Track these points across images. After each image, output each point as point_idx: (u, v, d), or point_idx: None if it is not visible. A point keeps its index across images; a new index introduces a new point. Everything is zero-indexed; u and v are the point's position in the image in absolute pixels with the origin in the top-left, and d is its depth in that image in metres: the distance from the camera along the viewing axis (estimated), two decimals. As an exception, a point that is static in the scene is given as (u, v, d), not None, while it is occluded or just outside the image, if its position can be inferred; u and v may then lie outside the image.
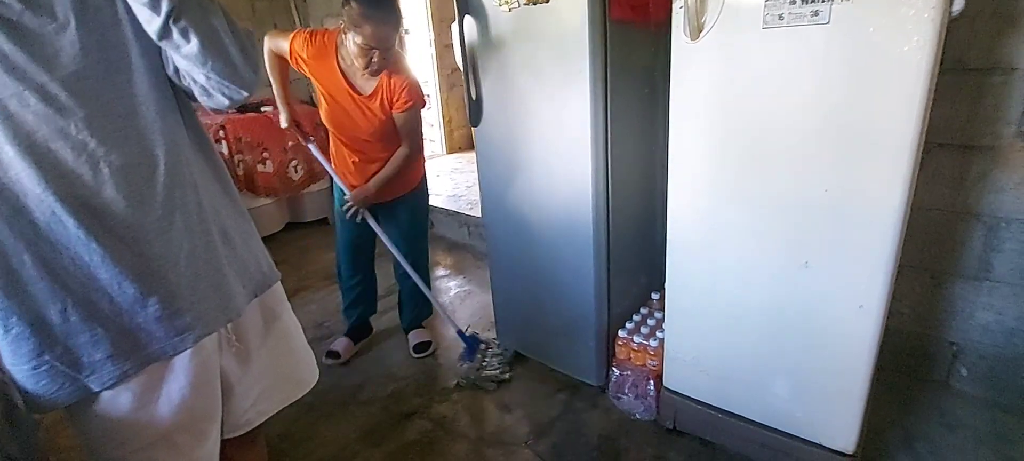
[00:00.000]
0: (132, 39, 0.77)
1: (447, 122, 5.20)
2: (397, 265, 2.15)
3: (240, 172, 3.23)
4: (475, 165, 1.97)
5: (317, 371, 1.19)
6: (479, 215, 2.90)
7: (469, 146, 5.02)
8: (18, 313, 0.74)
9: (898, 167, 1.09)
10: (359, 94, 1.76)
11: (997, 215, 1.56)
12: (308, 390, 1.17)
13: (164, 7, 0.70)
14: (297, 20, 3.69)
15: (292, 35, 1.75)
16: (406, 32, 3.67)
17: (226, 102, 0.84)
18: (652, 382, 1.74)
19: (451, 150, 5.29)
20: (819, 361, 1.34)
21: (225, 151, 3.15)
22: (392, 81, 1.75)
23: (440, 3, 4.62)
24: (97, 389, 0.80)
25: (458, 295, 2.79)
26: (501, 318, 2.16)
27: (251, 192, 3.30)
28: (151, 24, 0.72)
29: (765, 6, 1.13)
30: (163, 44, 0.75)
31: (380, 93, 1.76)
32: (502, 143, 1.81)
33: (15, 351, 0.76)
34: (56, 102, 0.70)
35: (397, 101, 1.77)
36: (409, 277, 2.13)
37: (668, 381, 1.68)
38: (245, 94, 0.84)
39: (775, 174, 1.25)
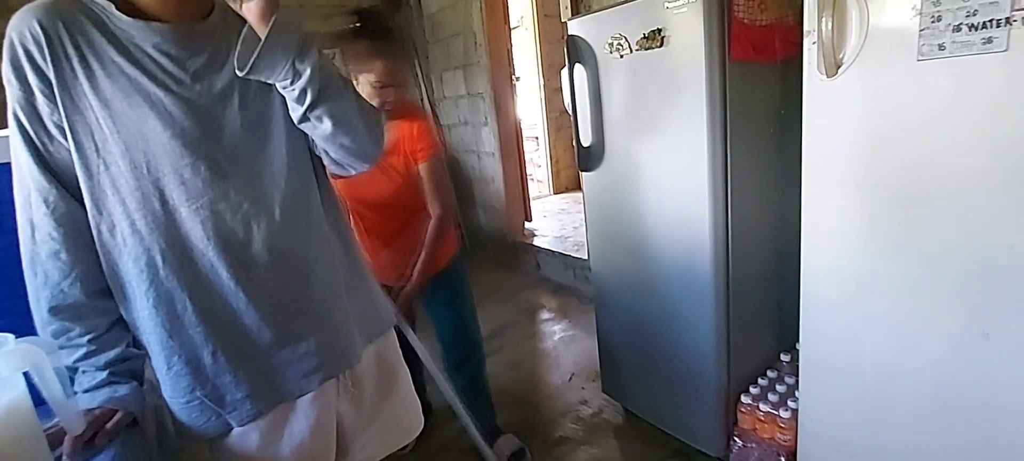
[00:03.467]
0: (280, 115, 0.87)
1: (554, 162, 5.26)
2: (451, 360, 1.83)
3: (364, 214, 3.50)
4: (581, 206, 1.94)
5: (422, 420, 1.21)
6: (585, 257, 2.85)
7: (576, 186, 5.02)
8: (179, 353, 0.83)
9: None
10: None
11: None
12: (413, 438, 1.19)
13: (308, 99, 0.79)
14: (420, 75, 4.00)
15: None
16: (517, 79, 3.81)
17: (352, 172, 0.94)
18: (783, 459, 1.53)
19: (558, 190, 5.32)
20: (999, 457, 1.08)
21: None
22: (413, 127, 1.52)
23: (549, 50, 4.75)
24: (236, 425, 0.87)
25: (562, 340, 2.74)
26: (606, 368, 2.07)
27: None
28: (295, 111, 0.82)
29: (920, 35, 0.99)
30: (302, 127, 0.85)
31: (401, 144, 1.52)
32: (612, 188, 1.76)
33: (174, 386, 0.85)
34: (220, 169, 0.80)
35: (421, 149, 1.54)
36: (468, 372, 1.83)
37: (803, 459, 1.47)
38: (368, 166, 0.94)
39: (941, 226, 1.06)
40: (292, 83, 0.78)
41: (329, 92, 0.80)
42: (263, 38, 0.72)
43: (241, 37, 0.75)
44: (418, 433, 1.20)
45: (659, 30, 1.43)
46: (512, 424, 2.06)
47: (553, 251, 3.50)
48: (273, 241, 0.85)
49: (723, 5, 1.33)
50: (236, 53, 0.75)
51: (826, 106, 1.16)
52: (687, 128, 1.44)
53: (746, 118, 1.45)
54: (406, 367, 1.17)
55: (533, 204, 4.24)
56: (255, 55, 0.72)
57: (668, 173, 1.56)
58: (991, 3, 0.91)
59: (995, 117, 0.95)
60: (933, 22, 0.98)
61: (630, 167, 1.67)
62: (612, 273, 1.88)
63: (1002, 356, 1.04)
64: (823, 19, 1.08)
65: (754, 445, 1.60)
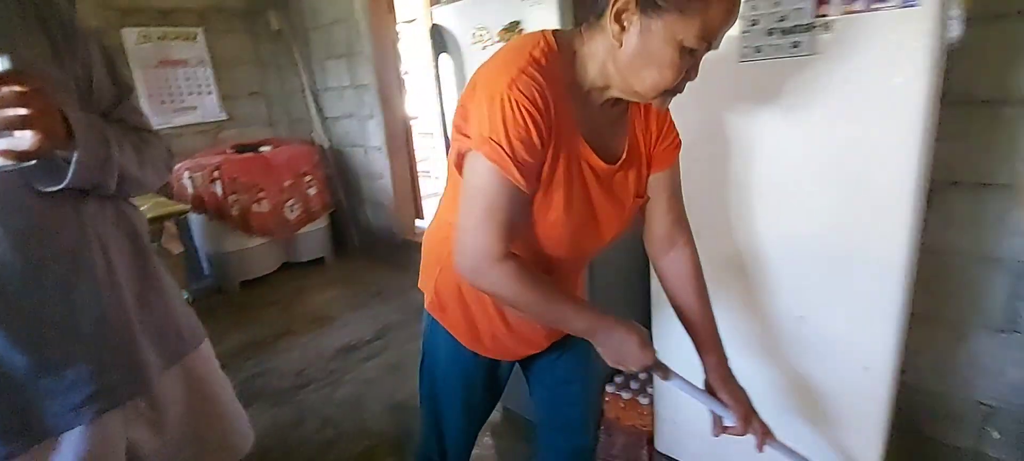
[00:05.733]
0: None
1: (451, 160, 5.18)
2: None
3: (235, 212, 3.20)
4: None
5: (251, 435, 1.09)
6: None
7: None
8: None
9: (901, 207, 0.96)
10: (610, 167, 0.82)
11: (1021, 260, 1.40)
12: (241, 456, 1.07)
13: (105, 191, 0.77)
14: (299, 63, 3.72)
15: (498, 154, 0.70)
16: (406, 73, 3.68)
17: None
18: (646, 447, 1.58)
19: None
20: (824, 426, 1.19)
21: (219, 192, 3.13)
22: (656, 114, 0.87)
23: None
24: None
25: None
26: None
27: (245, 232, 3.26)
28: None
29: (742, 38, 1.04)
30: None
31: (639, 147, 0.87)
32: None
33: None
34: None
35: (666, 141, 0.89)
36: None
37: (660, 444, 1.53)
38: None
39: (760, 214, 1.13)
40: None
41: (125, 183, 0.79)
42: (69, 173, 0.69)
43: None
44: (247, 451, 1.08)
45: (517, 22, 1.41)
46: (384, 433, 1.96)
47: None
48: (29, 249, 0.70)
49: (575, 4, 1.34)
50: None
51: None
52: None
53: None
54: (227, 382, 1.04)
55: (427, 202, 4.13)
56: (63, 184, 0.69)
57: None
58: (797, 9, 0.97)
59: (806, 115, 1.02)
60: (752, 26, 1.03)
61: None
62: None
63: (816, 336, 1.13)
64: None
65: (619, 433, 1.64)
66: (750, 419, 0.90)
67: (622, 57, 0.71)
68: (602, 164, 0.80)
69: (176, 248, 2.62)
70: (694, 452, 1.45)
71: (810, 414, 1.21)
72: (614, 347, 0.82)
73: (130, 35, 3.22)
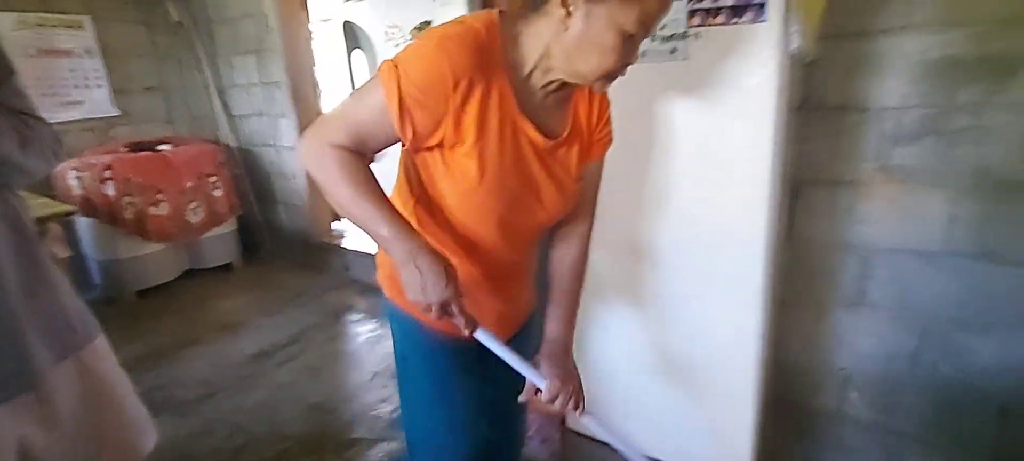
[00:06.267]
0: None
1: (371, 162, 5.09)
2: None
3: (129, 216, 2.96)
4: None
5: (154, 435, 1.06)
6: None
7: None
8: None
9: (759, 200, 1.11)
10: (550, 142, 0.86)
11: (867, 245, 1.64)
12: (144, 455, 1.03)
13: None
14: (203, 58, 3.52)
15: (391, 78, 0.74)
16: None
17: None
18: (558, 426, 1.67)
19: (376, 191, 5.16)
20: (709, 395, 1.33)
21: (111, 193, 2.89)
22: (599, 99, 0.92)
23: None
24: None
25: (368, 340, 2.64)
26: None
27: (141, 237, 3.03)
28: None
29: (630, 43, 1.16)
30: None
31: (581, 127, 0.91)
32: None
33: None
34: None
35: (604, 130, 0.94)
36: None
37: (572, 422, 1.63)
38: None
39: (649, 204, 1.25)
40: None
41: (6, 169, 0.78)
42: None
43: None
44: (149, 450, 1.04)
45: (429, 22, 1.45)
46: (300, 434, 1.91)
47: (364, 252, 3.36)
48: None
49: (486, 3, 1.40)
50: None
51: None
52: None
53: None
54: (126, 378, 1.00)
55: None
56: None
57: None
58: (674, 20, 1.10)
59: (681, 115, 1.15)
60: (638, 32, 1.15)
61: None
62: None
63: (698, 314, 1.27)
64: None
65: (533, 413, 1.72)
66: (561, 393, 0.90)
67: (567, 40, 0.75)
68: (541, 138, 0.83)
69: (62, 252, 2.39)
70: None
71: (692, 389, 1.35)
72: (417, 273, 0.78)
73: (5, 19, 2.89)
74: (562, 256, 0.99)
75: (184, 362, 2.39)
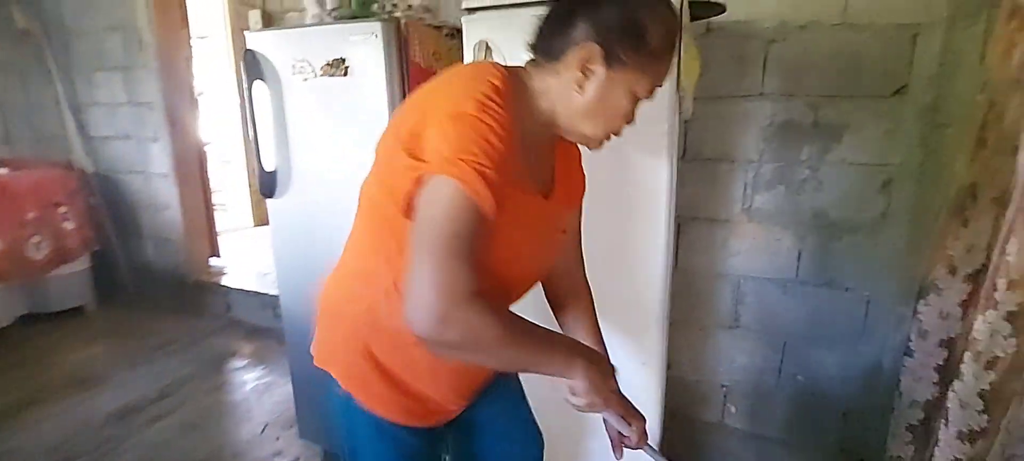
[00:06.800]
0: None
1: (255, 190, 4.74)
2: None
3: (-55, 253, 2.46)
4: (273, 240, 1.77)
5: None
6: (284, 294, 2.61)
7: (281, 218, 4.60)
8: None
9: (657, 233, 1.26)
10: (546, 199, 0.83)
11: (738, 274, 1.90)
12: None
13: None
14: (54, 72, 3.07)
15: (466, 176, 0.62)
16: (200, 93, 3.31)
17: None
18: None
19: (261, 222, 4.80)
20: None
21: (-79, 226, 2.39)
22: (573, 150, 0.91)
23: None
24: None
25: (256, 388, 2.43)
26: (303, 411, 1.92)
27: (-37, 278, 2.53)
28: None
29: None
30: None
31: (562, 176, 0.88)
32: (303, 215, 1.67)
33: None
34: None
35: (579, 175, 0.95)
36: None
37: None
38: None
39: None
40: None
41: None
42: None
43: None
44: None
45: (342, 59, 1.44)
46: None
47: (247, 290, 3.10)
48: None
49: (401, 46, 1.43)
50: None
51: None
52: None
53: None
54: None
55: (224, 237, 3.71)
56: None
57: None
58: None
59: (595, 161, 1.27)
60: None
61: (321, 192, 1.61)
62: (304, 307, 1.76)
63: (610, 334, 1.37)
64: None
65: None
66: (638, 422, 0.93)
67: (578, 102, 0.73)
68: (538, 196, 0.79)
69: None
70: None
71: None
72: (599, 377, 0.76)
73: None
74: (574, 307, 1.00)
75: (27, 427, 2.00)
